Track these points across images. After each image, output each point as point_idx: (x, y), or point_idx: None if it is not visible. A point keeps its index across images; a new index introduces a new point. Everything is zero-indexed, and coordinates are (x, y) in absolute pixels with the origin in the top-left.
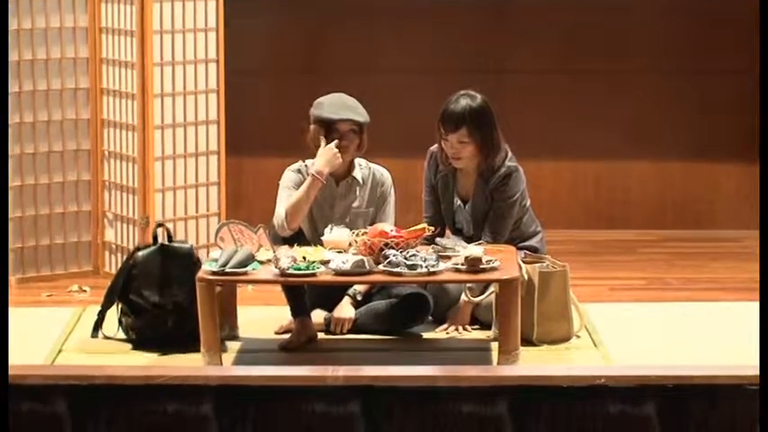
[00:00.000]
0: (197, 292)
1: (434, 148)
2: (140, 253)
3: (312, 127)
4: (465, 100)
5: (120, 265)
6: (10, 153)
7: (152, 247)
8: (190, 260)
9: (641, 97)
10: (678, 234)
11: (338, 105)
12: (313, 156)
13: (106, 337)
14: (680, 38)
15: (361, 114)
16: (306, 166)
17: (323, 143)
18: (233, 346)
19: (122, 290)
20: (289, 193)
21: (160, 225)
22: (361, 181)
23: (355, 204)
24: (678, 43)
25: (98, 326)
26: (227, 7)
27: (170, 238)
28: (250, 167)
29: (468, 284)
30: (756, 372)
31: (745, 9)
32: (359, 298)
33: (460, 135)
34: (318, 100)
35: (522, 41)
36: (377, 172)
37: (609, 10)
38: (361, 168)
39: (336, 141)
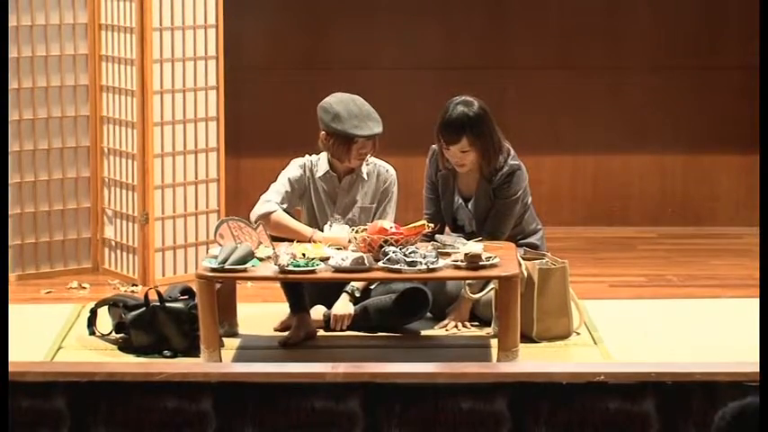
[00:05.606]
0: (197, 289)
1: (436, 145)
2: (131, 314)
3: (324, 134)
4: (461, 108)
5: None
6: (9, 150)
7: (143, 309)
8: (187, 318)
9: (641, 93)
10: (678, 231)
11: (359, 117)
12: (319, 152)
13: (103, 336)
14: (680, 34)
15: (379, 122)
16: (311, 162)
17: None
18: (232, 342)
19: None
20: (284, 186)
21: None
22: (365, 176)
23: (358, 200)
24: (679, 39)
25: (91, 322)
26: (226, 4)
27: (162, 298)
28: (249, 164)
29: (468, 281)
30: (756, 368)
31: (745, 4)
32: (357, 294)
33: (461, 146)
34: (331, 108)
35: (522, 37)
36: (382, 168)
37: (609, 6)
38: (367, 165)
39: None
